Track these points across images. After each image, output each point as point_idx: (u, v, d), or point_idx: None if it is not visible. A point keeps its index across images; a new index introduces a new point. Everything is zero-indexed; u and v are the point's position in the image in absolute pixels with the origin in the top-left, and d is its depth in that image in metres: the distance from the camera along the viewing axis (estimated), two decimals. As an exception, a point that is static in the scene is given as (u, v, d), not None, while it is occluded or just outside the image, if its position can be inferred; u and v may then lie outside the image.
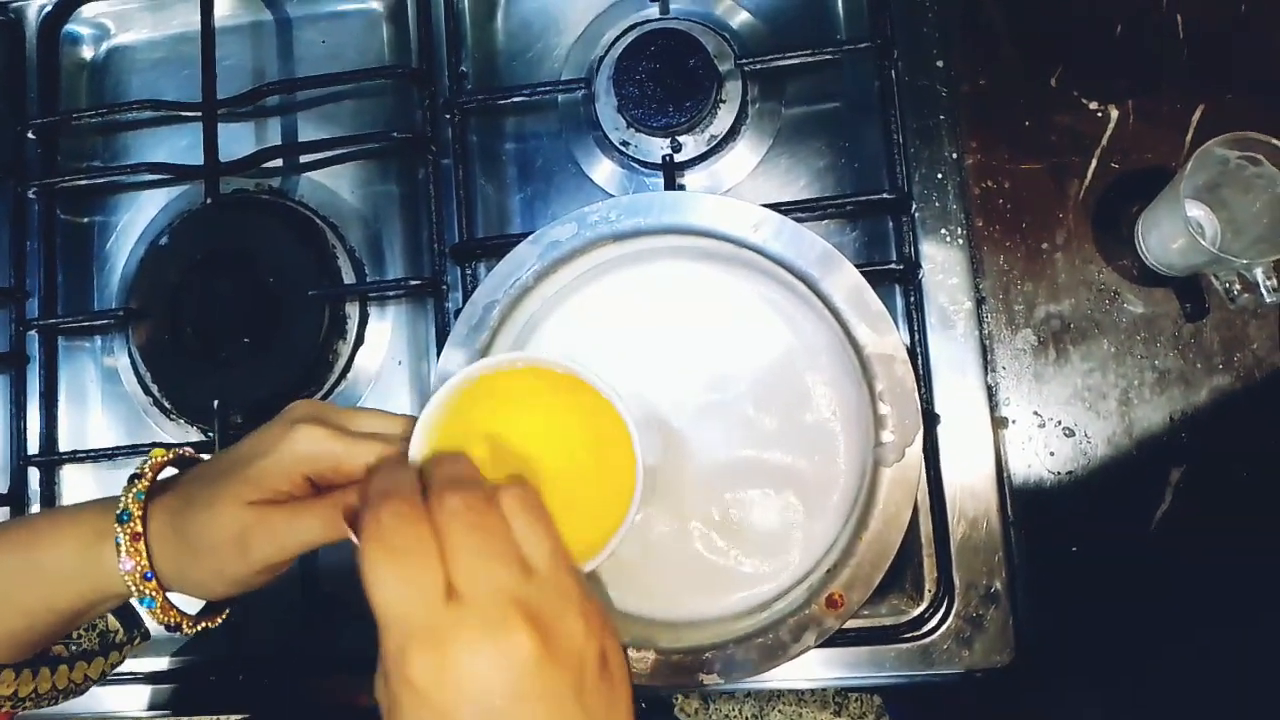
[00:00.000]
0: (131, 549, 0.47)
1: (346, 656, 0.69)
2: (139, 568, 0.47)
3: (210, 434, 0.69)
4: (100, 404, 0.77)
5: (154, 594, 0.47)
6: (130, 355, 0.76)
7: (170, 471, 0.52)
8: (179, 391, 0.74)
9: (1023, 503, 0.64)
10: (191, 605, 0.51)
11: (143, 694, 0.70)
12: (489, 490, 0.41)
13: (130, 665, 0.71)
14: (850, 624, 0.58)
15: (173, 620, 0.49)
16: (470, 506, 0.39)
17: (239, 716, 0.72)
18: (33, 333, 0.76)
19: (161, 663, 0.72)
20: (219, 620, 0.53)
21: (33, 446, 0.75)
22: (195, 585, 0.48)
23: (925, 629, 0.62)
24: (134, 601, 0.48)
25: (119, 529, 0.47)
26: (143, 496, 0.48)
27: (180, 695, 0.70)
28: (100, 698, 0.70)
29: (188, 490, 0.48)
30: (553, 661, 0.37)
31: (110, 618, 0.55)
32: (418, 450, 0.46)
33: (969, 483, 0.63)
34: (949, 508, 0.62)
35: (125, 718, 0.71)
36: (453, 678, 0.36)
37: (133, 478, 0.49)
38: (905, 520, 0.56)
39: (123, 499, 0.48)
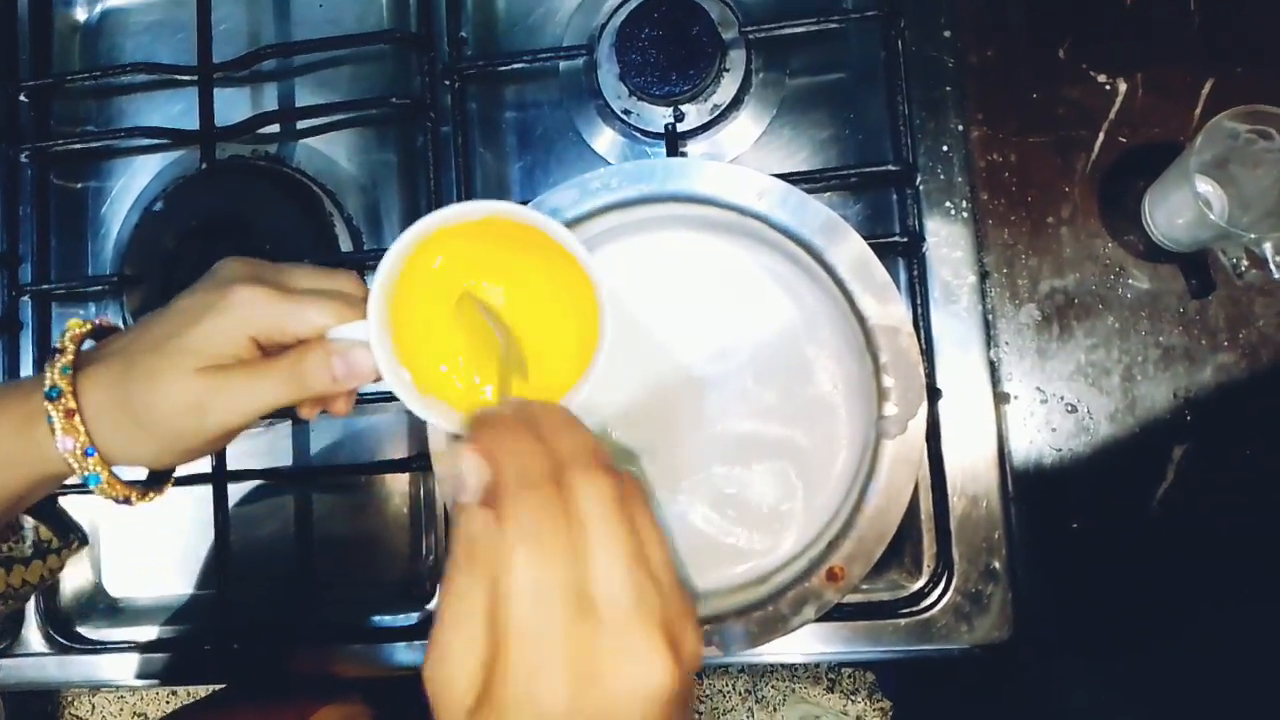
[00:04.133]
0: (67, 425, 0.45)
1: (337, 626, 0.69)
2: (79, 445, 0.45)
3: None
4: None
5: (97, 468, 0.46)
6: (124, 321, 0.75)
7: (91, 345, 0.49)
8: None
9: (1023, 479, 0.63)
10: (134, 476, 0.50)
11: (134, 662, 0.70)
12: (614, 473, 0.37)
13: (123, 634, 0.71)
14: (848, 599, 0.58)
15: (120, 494, 0.48)
16: (607, 497, 0.36)
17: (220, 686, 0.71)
18: (25, 298, 0.75)
19: (152, 632, 0.71)
20: (165, 489, 0.51)
21: (25, 413, 0.74)
22: (144, 457, 0.47)
23: (924, 604, 0.62)
24: (78, 478, 0.46)
25: (50, 407, 0.45)
26: (69, 371, 0.45)
27: (172, 665, 0.70)
28: (96, 666, 0.70)
29: (124, 360, 0.46)
30: (684, 682, 0.34)
31: (42, 528, 0.54)
32: (376, 309, 0.45)
33: (970, 459, 0.62)
34: (949, 483, 0.62)
35: (119, 685, 0.70)
36: (590, 704, 0.33)
37: (53, 352, 0.46)
38: (907, 494, 0.56)
39: (48, 376, 0.45)
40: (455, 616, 0.35)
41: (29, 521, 0.53)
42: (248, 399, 0.45)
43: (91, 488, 0.47)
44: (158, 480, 0.52)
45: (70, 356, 0.46)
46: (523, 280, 0.48)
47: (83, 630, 0.72)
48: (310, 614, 0.71)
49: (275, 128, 0.75)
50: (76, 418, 0.45)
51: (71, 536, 0.54)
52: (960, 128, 0.65)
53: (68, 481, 0.48)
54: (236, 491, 0.71)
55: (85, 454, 0.45)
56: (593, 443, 0.39)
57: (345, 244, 0.73)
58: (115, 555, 0.75)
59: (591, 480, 0.36)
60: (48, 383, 0.45)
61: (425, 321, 0.47)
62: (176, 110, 0.77)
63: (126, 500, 0.48)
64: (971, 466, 0.62)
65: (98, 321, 0.50)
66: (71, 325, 0.48)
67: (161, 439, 0.45)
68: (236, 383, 0.45)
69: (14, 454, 0.46)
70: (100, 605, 0.75)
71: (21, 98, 0.76)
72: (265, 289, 0.45)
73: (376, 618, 0.69)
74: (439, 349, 0.48)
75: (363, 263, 0.73)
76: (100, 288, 0.75)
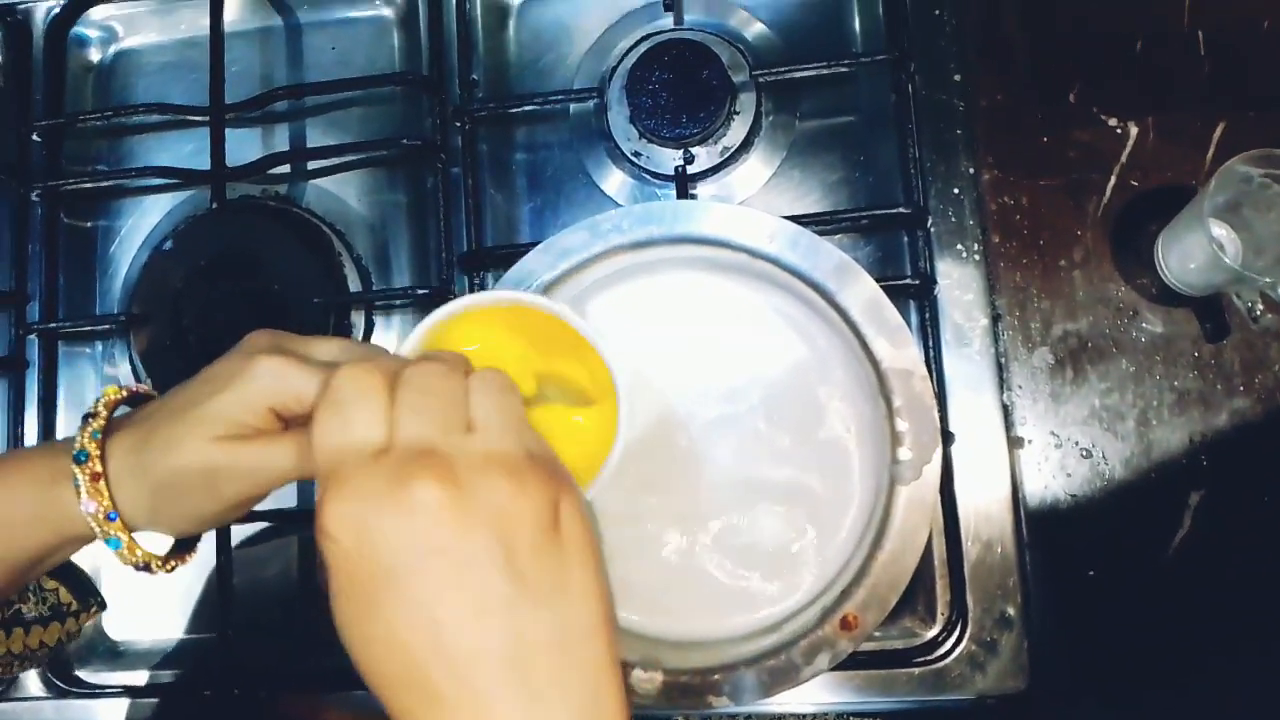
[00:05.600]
0: (92, 489, 0.45)
1: (340, 672, 0.68)
2: (101, 508, 0.45)
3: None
4: (99, 411, 0.76)
5: (119, 533, 0.45)
6: (131, 362, 0.75)
7: (125, 410, 0.49)
8: (176, 395, 0.73)
9: (1038, 525, 0.62)
10: (159, 545, 0.49)
11: (133, 708, 0.68)
12: (464, 366, 0.41)
13: (123, 678, 0.70)
14: (861, 647, 0.57)
15: (141, 560, 0.47)
16: (430, 372, 0.39)
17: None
18: (32, 337, 0.74)
19: (153, 676, 0.70)
20: (189, 558, 0.51)
21: (29, 452, 0.74)
22: (165, 524, 0.47)
23: (938, 653, 0.61)
24: (100, 543, 0.46)
25: (76, 469, 0.45)
26: (99, 435, 0.46)
27: (172, 711, 0.68)
28: (95, 711, 0.69)
29: (147, 428, 0.46)
30: (465, 518, 0.36)
31: (62, 590, 0.53)
32: None
33: (984, 504, 0.62)
34: (963, 529, 0.61)
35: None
36: (357, 528, 0.36)
37: (86, 417, 0.47)
38: (922, 540, 0.55)
39: (78, 439, 0.46)
40: (358, 392, 0.39)
41: (49, 583, 0.53)
42: (261, 468, 0.45)
43: (112, 552, 0.46)
44: (181, 549, 0.51)
45: (102, 421, 0.46)
46: (544, 371, 0.48)
47: (82, 674, 0.71)
48: (314, 659, 0.69)
49: (286, 168, 0.75)
50: (102, 482, 0.45)
51: (91, 600, 0.54)
52: (971, 170, 0.65)
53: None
54: (240, 532, 0.70)
55: (108, 518, 0.45)
56: (447, 356, 0.42)
57: (354, 284, 0.73)
58: (117, 597, 0.73)
59: (419, 363, 0.40)
60: (77, 445, 0.45)
61: None
62: (188, 150, 0.77)
63: (146, 567, 0.48)
64: (985, 511, 0.61)
65: (135, 388, 0.50)
66: (107, 391, 0.49)
67: (177, 506, 0.46)
68: (251, 452, 0.44)
69: (39, 513, 0.46)
70: (100, 648, 0.73)
71: (34, 137, 0.76)
72: (288, 359, 0.45)
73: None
74: None
75: (370, 303, 0.73)
76: (107, 326, 0.75)
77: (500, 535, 0.36)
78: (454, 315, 0.47)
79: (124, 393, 0.49)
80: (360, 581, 0.36)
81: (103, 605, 0.55)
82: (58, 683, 0.70)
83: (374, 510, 0.36)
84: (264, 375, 0.44)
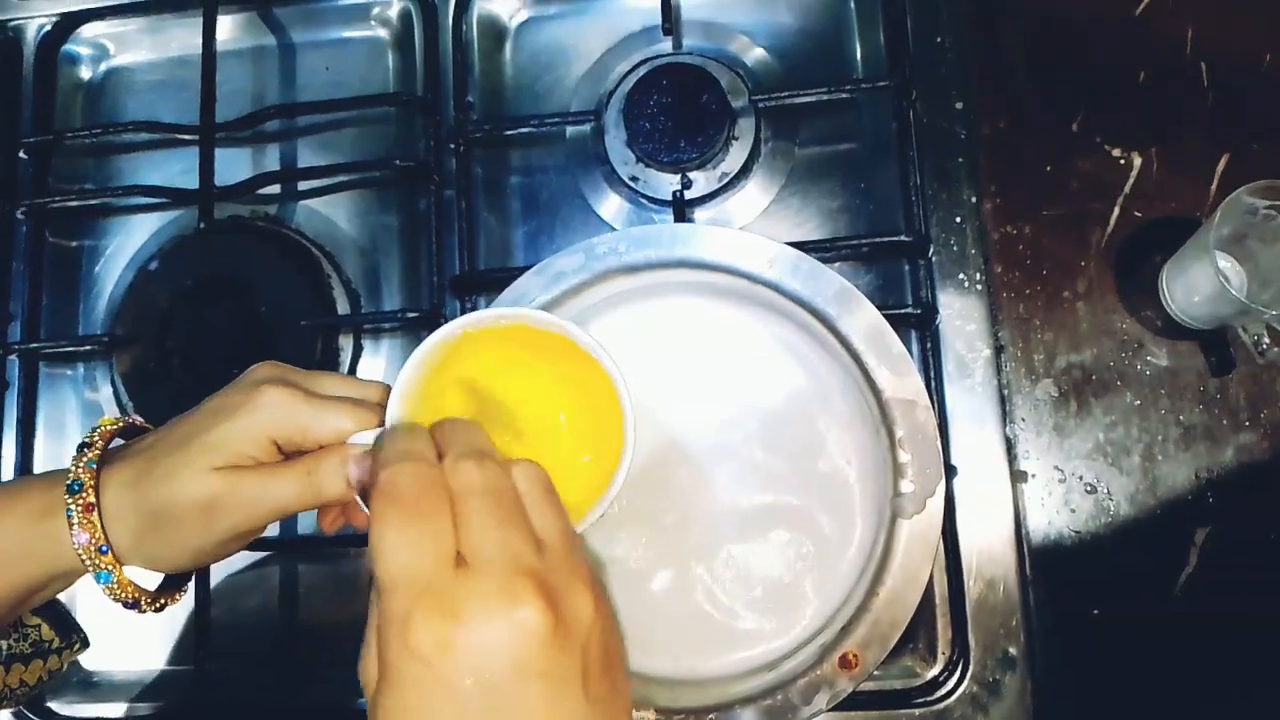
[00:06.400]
0: (85, 521, 0.44)
1: (321, 707, 0.66)
2: (94, 541, 0.44)
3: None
4: (79, 436, 0.74)
5: (110, 567, 0.45)
6: (113, 385, 0.73)
7: (119, 442, 0.49)
8: (162, 422, 0.71)
9: (1042, 562, 0.61)
10: (149, 582, 0.48)
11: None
12: (505, 462, 0.40)
13: (97, 710, 0.69)
14: (860, 686, 0.55)
15: (130, 596, 0.46)
16: (487, 475, 0.38)
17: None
18: (13, 357, 0.73)
19: (128, 709, 0.68)
20: (178, 597, 0.50)
21: (6, 474, 0.72)
22: (157, 558, 0.46)
23: (939, 693, 0.59)
24: (91, 577, 0.45)
25: (69, 500, 0.44)
26: (94, 465, 0.45)
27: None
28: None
29: (146, 458, 0.45)
30: (561, 639, 0.36)
31: (44, 627, 0.52)
32: (396, 411, 0.44)
33: (986, 539, 0.60)
34: (965, 565, 0.60)
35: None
36: (460, 645, 0.34)
37: (81, 446, 0.46)
38: (925, 576, 0.53)
39: (72, 469, 0.45)
40: (425, 493, 0.38)
41: (31, 620, 0.51)
42: (259, 500, 0.44)
43: (101, 586, 0.45)
44: (172, 585, 0.50)
45: (97, 451, 0.46)
46: (546, 386, 0.47)
47: (54, 706, 0.69)
48: (293, 693, 0.67)
49: (276, 188, 0.74)
50: (95, 513, 0.44)
51: (74, 637, 0.53)
52: (973, 199, 0.64)
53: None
54: (221, 562, 0.68)
55: (100, 551, 0.44)
56: (482, 439, 0.42)
57: (343, 306, 0.72)
58: (91, 626, 0.71)
59: (473, 460, 0.39)
60: (71, 476, 0.45)
61: None
62: (176, 170, 0.75)
63: (136, 604, 0.47)
64: (988, 548, 0.60)
65: (131, 420, 0.50)
66: (103, 422, 0.48)
67: (173, 538, 0.45)
68: (250, 483, 0.44)
69: (30, 545, 0.45)
70: (75, 679, 0.71)
71: (21, 154, 0.75)
72: (291, 391, 0.45)
73: (363, 700, 0.65)
74: None
75: (359, 326, 0.71)
76: (90, 348, 0.73)
77: (583, 658, 0.36)
78: (454, 338, 0.45)
79: (120, 423, 0.49)
80: (445, 700, 0.35)
81: (86, 643, 0.54)
82: (30, 715, 0.68)
83: (478, 628, 0.35)
84: (267, 407, 0.44)
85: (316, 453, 0.45)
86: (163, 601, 0.49)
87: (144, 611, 0.48)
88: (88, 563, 0.44)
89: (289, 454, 0.46)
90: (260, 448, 0.44)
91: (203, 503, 0.44)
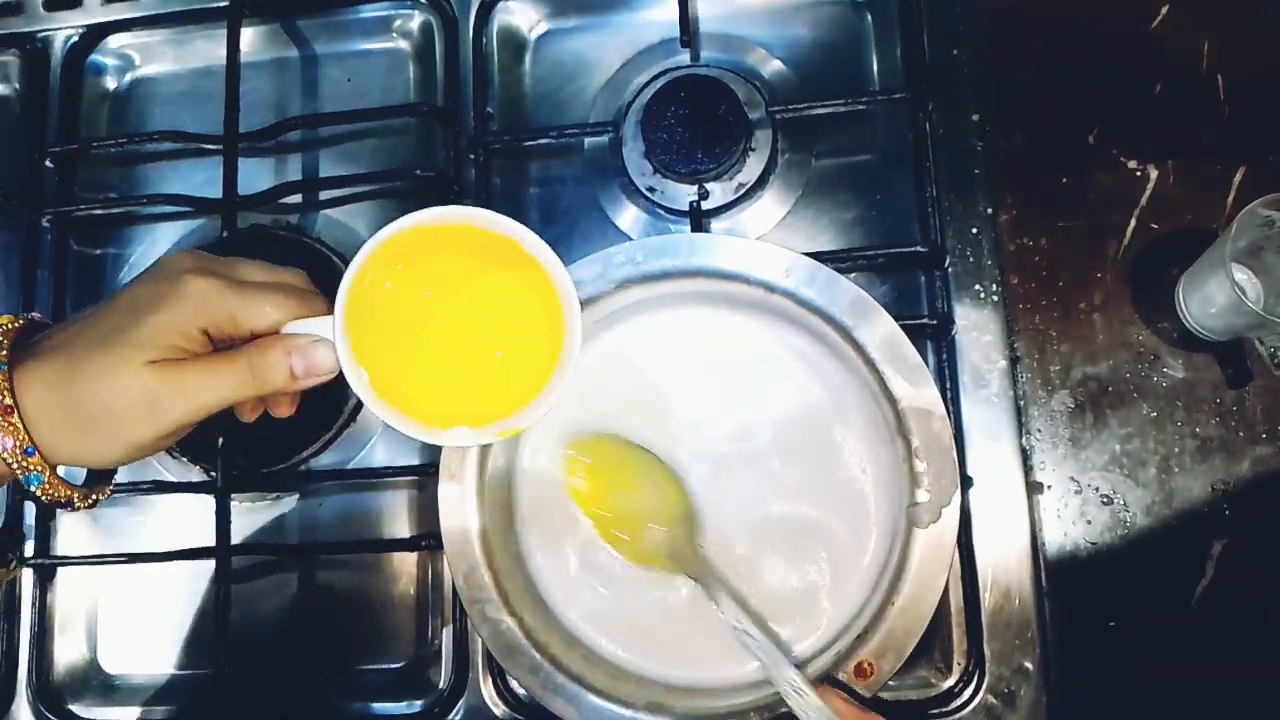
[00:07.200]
0: (4, 424, 0.43)
1: (337, 711, 0.67)
2: (18, 444, 0.43)
3: (213, 473, 0.67)
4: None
5: (38, 468, 0.44)
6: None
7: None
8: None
9: (1057, 573, 0.61)
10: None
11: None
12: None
13: (117, 713, 0.69)
14: (874, 696, 0.55)
15: (62, 495, 0.46)
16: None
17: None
18: (37, 363, 0.74)
19: (147, 712, 0.69)
20: (108, 491, 0.50)
21: (29, 481, 0.73)
22: (90, 455, 0.46)
23: (954, 705, 0.59)
24: (19, 479, 0.45)
25: None
26: (4, 367, 0.44)
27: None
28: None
29: (67, 357, 0.44)
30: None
31: None
32: (342, 305, 0.45)
33: (1002, 551, 0.60)
34: (980, 576, 0.60)
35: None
36: None
37: None
38: (940, 585, 0.53)
39: None
40: None
41: None
42: (203, 393, 0.44)
43: (32, 488, 0.45)
44: (98, 480, 0.50)
45: (5, 353, 0.45)
46: (490, 292, 0.49)
47: (75, 708, 0.70)
48: (311, 698, 0.68)
49: (298, 198, 0.75)
50: (15, 415, 0.43)
51: (10, 556, 0.52)
52: (989, 211, 0.65)
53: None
54: (239, 567, 0.69)
55: (25, 453, 0.44)
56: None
57: (363, 315, 0.72)
58: (112, 629, 0.72)
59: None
60: None
61: (382, 324, 0.47)
62: (200, 179, 0.76)
63: (69, 502, 0.47)
64: (1003, 559, 0.60)
65: (32, 316, 0.49)
66: (2, 321, 0.47)
67: (112, 436, 0.44)
68: (191, 377, 0.44)
69: None
70: (94, 682, 0.72)
71: (48, 163, 0.76)
72: (218, 280, 0.45)
73: (379, 705, 0.66)
74: (396, 352, 0.48)
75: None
76: (113, 354, 0.74)
77: None
78: (403, 231, 0.47)
79: (20, 321, 0.47)
80: None
81: (22, 562, 0.53)
82: (50, 716, 0.68)
83: None
84: (196, 296, 0.44)
85: (258, 343, 0.45)
86: (95, 497, 0.48)
87: (76, 508, 0.47)
88: (14, 466, 0.44)
89: (219, 343, 0.46)
90: (191, 339, 0.44)
91: (143, 400, 0.43)
